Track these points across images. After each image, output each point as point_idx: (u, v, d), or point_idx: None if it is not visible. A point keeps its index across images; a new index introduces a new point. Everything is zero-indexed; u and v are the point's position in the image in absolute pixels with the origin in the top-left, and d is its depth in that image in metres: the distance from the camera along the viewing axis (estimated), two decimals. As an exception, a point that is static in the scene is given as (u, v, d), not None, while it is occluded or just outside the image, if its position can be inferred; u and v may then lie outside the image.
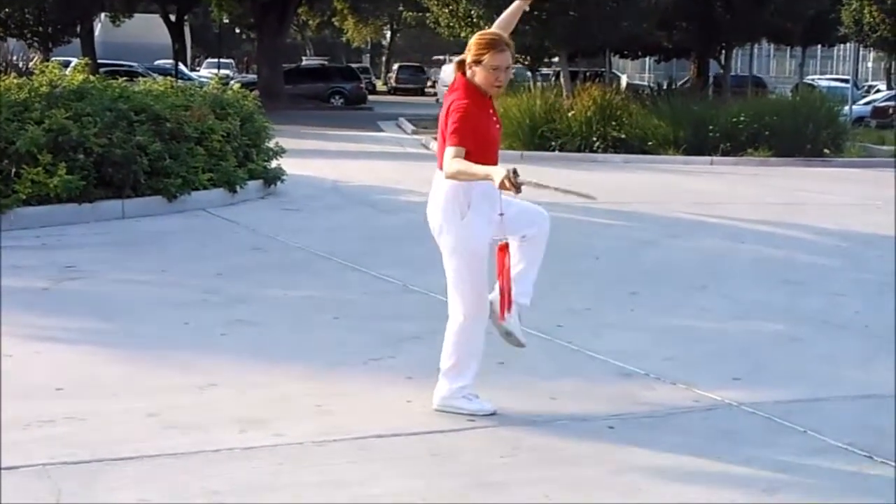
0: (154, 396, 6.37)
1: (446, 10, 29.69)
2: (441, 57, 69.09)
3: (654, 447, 5.80)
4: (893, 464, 5.64)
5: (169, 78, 17.76)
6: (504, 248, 6.02)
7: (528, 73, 33.01)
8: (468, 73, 6.02)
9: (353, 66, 63.93)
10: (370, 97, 52.87)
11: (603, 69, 38.84)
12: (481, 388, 6.27)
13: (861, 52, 51.17)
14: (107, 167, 12.85)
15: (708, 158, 24.03)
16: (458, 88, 6.06)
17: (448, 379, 6.19)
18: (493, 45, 5.99)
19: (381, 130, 32.69)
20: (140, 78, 20.02)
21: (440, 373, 6.23)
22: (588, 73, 37.02)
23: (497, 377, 6.79)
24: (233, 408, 6.21)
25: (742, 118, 24.98)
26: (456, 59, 6.18)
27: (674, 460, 5.62)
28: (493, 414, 6.17)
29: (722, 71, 35.75)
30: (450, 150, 5.82)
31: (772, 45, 57.81)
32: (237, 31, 73.84)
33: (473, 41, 6.05)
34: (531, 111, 24.80)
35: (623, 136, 24.47)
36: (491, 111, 6.11)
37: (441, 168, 6.02)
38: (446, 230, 6.03)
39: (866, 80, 60.99)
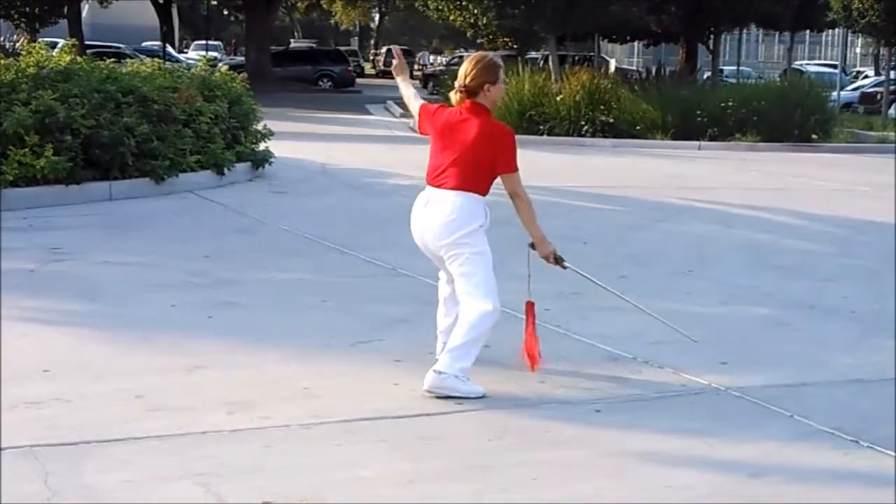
0: (141, 378, 6.36)
1: (435, -7, 29.65)
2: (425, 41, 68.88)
3: (641, 431, 5.81)
4: (880, 448, 5.66)
5: (156, 60, 17.66)
6: (531, 307, 6.57)
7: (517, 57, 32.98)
8: (480, 96, 6.31)
9: (342, 48, 63.83)
10: (358, 80, 52.80)
11: (592, 53, 38.81)
12: (469, 372, 6.27)
13: (849, 38, 51.26)
14: (94, 149, 12.81)
15: (696, 143, 24.05)
16: (482, 114, 6.32)
17: (452, 356, 6.18)
18: (500, 64, 6.42)
19: (370, 114, 32.64)
20: (127, 59, 19.91)
21: (443, 352, 6.22)
22: (577, 58, 37.03)
23: (484, 361, 6.79)
24: (220, 390, 6.21)
25: (730, 103, 24.99)
26: (456, 91, 6.38)
27: (660, 444, 5.63)
28: (482, 397, 6.18)
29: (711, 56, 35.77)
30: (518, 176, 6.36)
31: (760, 31, 57.85)
32: (225, 13, 73.50)
33: (483, 66, 6.33)
34: (520, 95, 24.79)
35: (611, 120, 24.47)
36: None
37: (453, 187, 6.27)
38: (469, 237, 6.25)
39: (854, 66, 61.06)
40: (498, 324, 7.27)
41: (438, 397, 6.13)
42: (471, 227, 6.25)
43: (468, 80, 6.31)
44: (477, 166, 6.28)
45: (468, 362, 6.23)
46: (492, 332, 6.81)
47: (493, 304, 6.24)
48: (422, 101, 6.70)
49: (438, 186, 6.33)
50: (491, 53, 6.61)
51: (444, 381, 6.17)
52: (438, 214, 6.29)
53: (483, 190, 6.33)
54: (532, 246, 6.52)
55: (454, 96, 6.38)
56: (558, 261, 6.57)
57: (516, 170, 6.33)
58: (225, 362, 6.74)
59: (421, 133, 6.67)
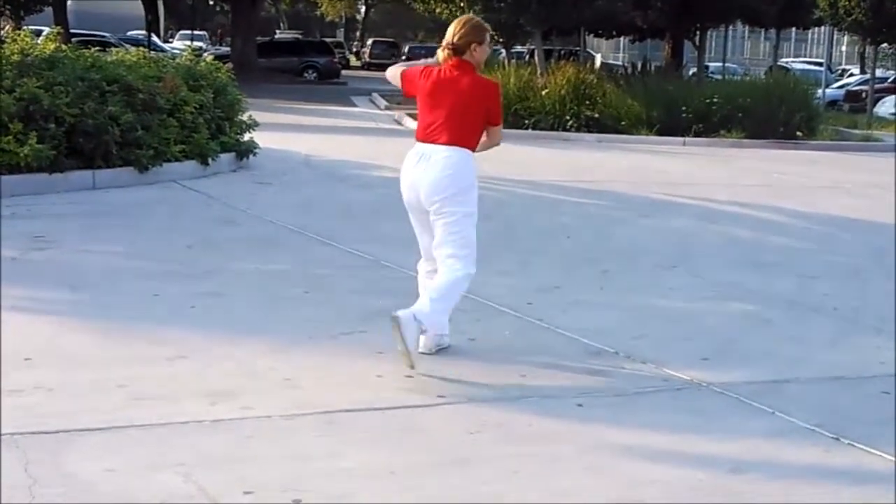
0: (123, 368, 6.35)
1: (421, -15, 29.61)
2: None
3: (623, 425, 5.82)
4: (860, 445, 5.67)
5: (141, 49, 17.59)
6: None
7: (503, 51, 33.01)
8: (466, 54, 6.51)
9: (327, 40, 63.73)
10: (343, 72, 52.74)
11: (577, 48, 38.87)
12: (451, 365, 6.28)
13: (835, 36, 51.39)
14: (78, 137, 12.76)
15: (681, 139, 24.07)
16: (469, 71, 6.55)
17: (433, 306, 6.34)
18: (487, 27, 6.66)
19: (355, 105, 32.61)
20: (112, 48, 19.82)
21: (427, 299, 6.35)
22: (563, 52, 37.07)
23: (467, 353, 6.81)
24: (201, 380, 6.20)
25: (715, 99, 25.02)
26: (444, 48, 6.58)
27: (641, 439, 5.64)
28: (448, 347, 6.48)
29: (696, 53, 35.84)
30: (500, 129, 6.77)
31: (746, 27, 57.99)
32: (211, 2, 73.43)
33: (471, 26, 6.57)
34: (505, 89, 24.70)
35: (596, 115, 24.48)
36: None
37: (447, 142, 6.43)
38: (462, 195, 6.44)
39: (840, 64, 61.23)
40: (482, 318, 7.38)
41: (420, 389, 6.13)
42: (465, 182, 6.44)
43: (456, 38, 6.51)
44: (469, 122, 6.50)
45: (445, 317, 6.43)
46: (476, 326, 6.84)
47: (472, 267, 6.47)
48: (402, 68, 6.90)
49: (431, 142, 6.47)
50: (476, 17, 6.88)
51: (435, 317, 6.34)
52: (433, 169, 6.43)
53: (474, 145, 6.57)
54: None
55: (441, 53, 6.58)
56: None
57: (502, 121, 6.74)
58: (207, 352, 6.73)
59: (408, 95, 6.85)
